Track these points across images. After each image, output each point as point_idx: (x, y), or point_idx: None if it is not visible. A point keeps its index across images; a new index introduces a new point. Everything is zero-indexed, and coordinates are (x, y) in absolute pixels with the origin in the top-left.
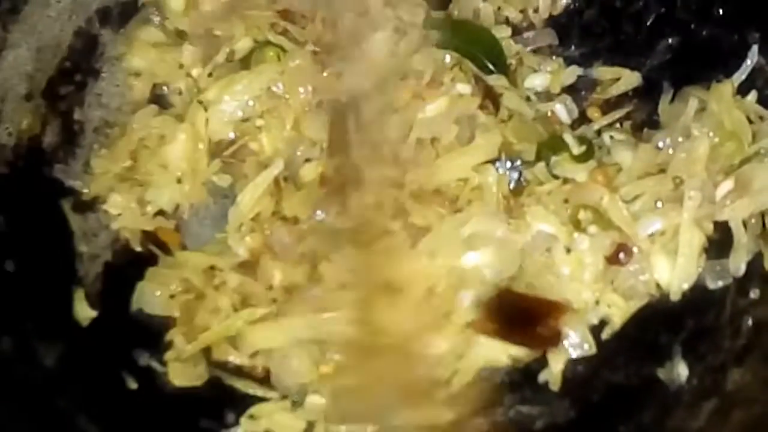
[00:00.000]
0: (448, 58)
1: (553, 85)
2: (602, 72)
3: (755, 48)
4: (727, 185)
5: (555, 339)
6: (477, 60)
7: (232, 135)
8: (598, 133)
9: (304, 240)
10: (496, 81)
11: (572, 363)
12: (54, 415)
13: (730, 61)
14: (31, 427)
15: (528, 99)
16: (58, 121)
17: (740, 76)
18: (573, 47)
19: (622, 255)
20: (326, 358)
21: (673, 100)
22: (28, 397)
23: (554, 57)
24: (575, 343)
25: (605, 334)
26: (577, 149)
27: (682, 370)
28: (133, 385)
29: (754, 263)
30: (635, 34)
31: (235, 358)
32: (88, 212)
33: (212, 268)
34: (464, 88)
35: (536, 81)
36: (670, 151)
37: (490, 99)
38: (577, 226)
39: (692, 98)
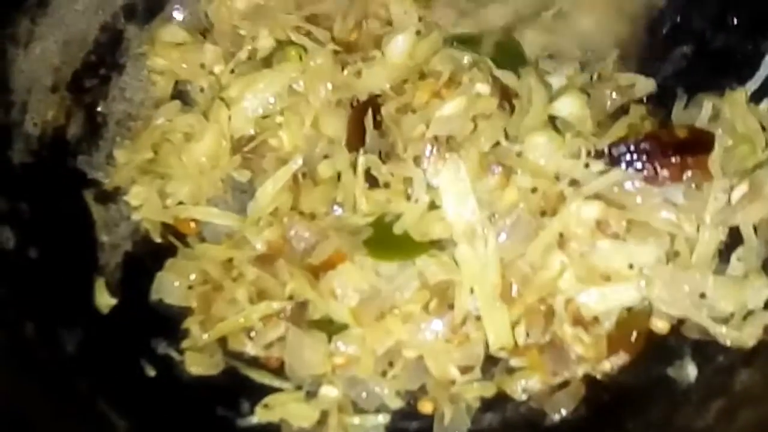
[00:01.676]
0: (466, 59)
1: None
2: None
3: None
4: (742, 189)
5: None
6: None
7: (252, 131)
8: None
9: (327, 237)
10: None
11: None
12: (75, 398)
13: (744, 70)
14: (54, 409)
15: None
16: (82, 113)
17: (753, 84)
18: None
19: None
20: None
21: (686, 106)
22: (50, 380)
23: None
24: None
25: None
26: None
27: (691, 370)
28: (151, 372)
29: (764, 267)
30: (651, 41)
31: (250, 349)
32: (109, 203)
33: (230, 260)
34: (483, 88)
35: (553, 82)
36: None
37: (507, 99)
38: None
39: (706, 103)
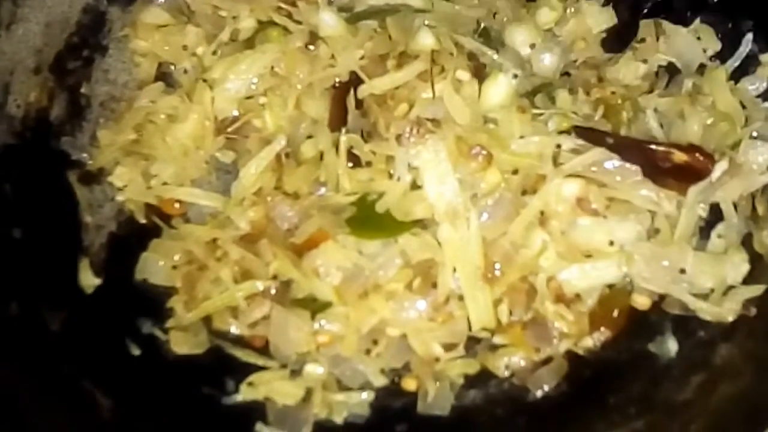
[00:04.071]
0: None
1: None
2: None
3: (749, 36)
4: (722, 166)
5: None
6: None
7: (235, 112)
8: None
9: (311, 216)
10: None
11: None
12: (60, 378)
13: (724, 48)
14: (38, 388)
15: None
16: (66, 95)
17: (734, 62)
18: None
19: None
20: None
21: (668, 85)
22: (35, 360)
23: None
24: None
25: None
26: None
27: (671, 345)
28: (136, 351)
29: (744, 243)
30: (632, 20)
31: (235, 328)
32: (93, 184)
33: (214, 240)
34: (463, 75)
35: (519, 38)
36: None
37: (478, 77)
38: None
39: (686, 80)
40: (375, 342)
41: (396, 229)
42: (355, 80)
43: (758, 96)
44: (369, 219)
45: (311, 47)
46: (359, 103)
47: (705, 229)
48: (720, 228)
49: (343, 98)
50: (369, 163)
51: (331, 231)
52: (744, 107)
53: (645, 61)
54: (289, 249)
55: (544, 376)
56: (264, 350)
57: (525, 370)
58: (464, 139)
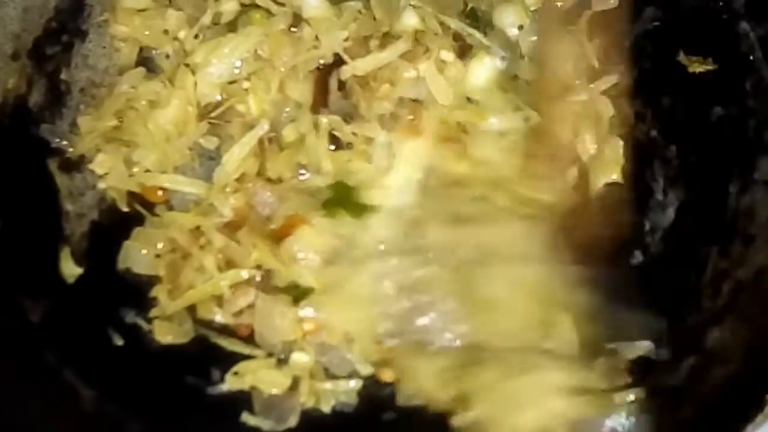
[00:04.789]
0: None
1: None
2: None
3: None
4: None
5: None
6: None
7: (218, 97)
8: None
9: (287, 200)
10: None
11: None
12: (41, 369)
13: None
14: (20, 380)
15: None
16: (45, 81)
17: None
18: None
19: None
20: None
21: None
22: (15, 351)
23: None
24: None
25: None
26: None
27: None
28: (119, 341)
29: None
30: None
31: (220, 317)
32: (74, 171)
33: (198, 228)
34: (448, 55)
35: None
36: None
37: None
38: None
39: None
40: None
41: (371, 210)
42: (338, 62)
43: None
44: (346, 201)
45: (295, 29)
46: (342, 85)
47: None
48: None
49: (326, 80)
50: (350, 145)
51: (306, 214)
52: None
53: None
54: (268, 236)
55: None
56: (249, 339)
57: None
58: (445, 119)
